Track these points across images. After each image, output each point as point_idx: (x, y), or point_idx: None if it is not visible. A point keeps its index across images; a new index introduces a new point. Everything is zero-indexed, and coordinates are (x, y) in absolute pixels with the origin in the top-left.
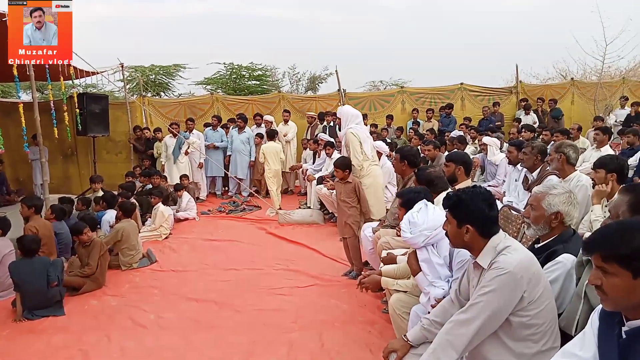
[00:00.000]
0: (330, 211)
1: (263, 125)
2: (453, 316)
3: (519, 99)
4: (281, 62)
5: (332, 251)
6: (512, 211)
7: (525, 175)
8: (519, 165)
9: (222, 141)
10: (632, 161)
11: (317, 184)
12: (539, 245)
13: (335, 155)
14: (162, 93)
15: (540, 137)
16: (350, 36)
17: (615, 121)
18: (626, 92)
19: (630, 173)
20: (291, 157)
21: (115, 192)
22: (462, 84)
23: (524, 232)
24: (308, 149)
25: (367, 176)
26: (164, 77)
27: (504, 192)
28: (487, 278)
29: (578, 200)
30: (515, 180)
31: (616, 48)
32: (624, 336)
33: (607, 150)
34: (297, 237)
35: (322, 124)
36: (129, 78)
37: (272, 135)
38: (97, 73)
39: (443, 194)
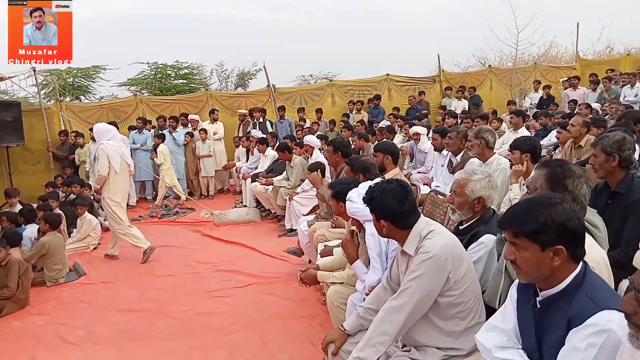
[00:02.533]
0: (267, 207)
1: (190, 125)
2: (386, 303)
3: (443, 87)
4: (208, 60)
5: (270, 248)
6: (439, 196)
7: (449, 159)
8: (444, 151)
9: (145, 144)
10: (545, 141)
11: (252, 182)
12: (462, 227)
13: (269, 152)
14: (82, 97)
15: (463, 123)
16: (278, 32)
17: (530, 104)
18: (538, 76)
19: (544, 152)
20: (222, 155)
21: (35, 205)
22: (388, 75)
23: (449, 216)
24: (240, 146)
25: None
26: (82, 79)
27: (432, 177)
28: (415, 263)
29: (498, 182)
30: (442, 166)
31: (527, 35)
32: (538, 306)
33: (523, 132)
34: (234, 237)
35: (253, 120)
36: (43, 82)
37: (162, 137)
38: (6, 79)
39: (377, 180)
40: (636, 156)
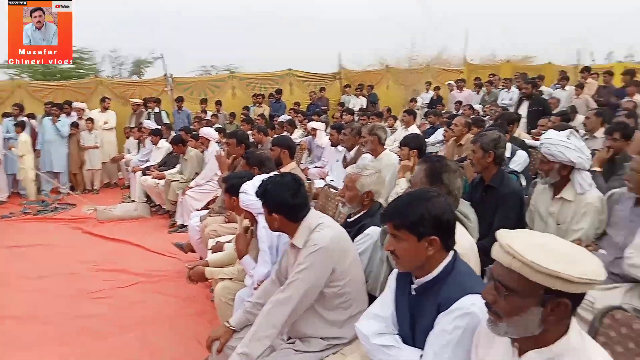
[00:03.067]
0: (157, 203)
1: (75, 114)
2: (273, 296)
3: (343, 84)
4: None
5: (159, 245)
6: (332, 190)
7: (344, 155)
8: (339, 146)
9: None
10: (432, 138)
11: (142, 175)
12: (351, 219)
13: (163, 144)
14: None
15: (359, 120)
16: (181, 19)
17: (422, 103)
18: (430, 78)
19: (435, 149)
20: (111, 147)
21: None
22: (290, 69)
23: (340, 209)
24: (132, 137)
25: None
26: None
27: (328, 171)
28: (303, 256)
29: (388, 177)
30: (337, 161)
31: (422, 38)
32: (413, 293)
33: (413, 129)
34: (119, 234)
35: (147, 110)
36: None
37: (22, 125)
38: None
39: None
40: (507, 154)
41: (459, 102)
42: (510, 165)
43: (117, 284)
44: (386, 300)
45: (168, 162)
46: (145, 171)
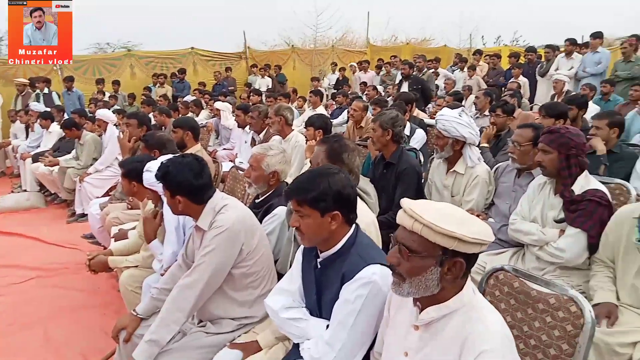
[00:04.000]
0: (53, 191)
1: None
2: (179, 280)
3: (249, 64)
4: None
5: (57, 236)
6: (239, 171)
7: (253, 136)
8: (247, 128)
9: None
10: (340, 119)
11: (33, 162)
12: (258, 200)
13: (54, 128)
14: None
15: (267, 101)
16: None
17: (329, 84)
18: (335, 59)
19: (342, 129)
20: None
21: None
22: (192, 48)
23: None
24: (18, 122)
25: None
26: None
27: (236, 153)
28: (208, 238)
29: (297, 158)
30: (245, 142)
31: (326, 19)
32: (319, 266)
33: (320, 110)
34: (11, 227)
35: (34, 92)
36: None
37: None
38: None
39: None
40: (407, 132)
41: (364, 83)
42: (410, 142)
43: (11, 280)
44: (293, 275)
45: (62, 148)
46: (36, 158)
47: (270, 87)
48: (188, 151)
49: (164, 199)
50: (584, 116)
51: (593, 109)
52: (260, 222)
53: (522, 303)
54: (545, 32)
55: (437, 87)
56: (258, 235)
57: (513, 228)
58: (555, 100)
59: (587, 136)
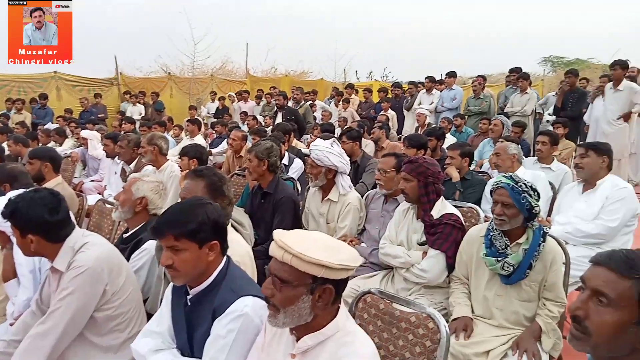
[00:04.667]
0: None
1: None
2: (32, 329)
3: (122, 91)
4: None
5: None
6: (107, 205)
7: (123, 167)
8: (116, 158)
9: None
10: (219, 148)
11: None
12: (127, 235)
13: None
14: None
15: (140, 129)
16: None
17: (208, 113)
18: (215, 88)
19: (222, 158)
20: None
21: None
22: (55, 72)
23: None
24: None
25: None
26: None
27: (105, 185)
28: (66, 280)
29: (172, 189)
30: (115, 173)
31: (204, 47)
32: (189, 303)
33: (199, 139)
34: None
35: None
36: None
37: None
38: None
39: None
40: (285, 162)
41: (244, 113)
42: (289, 172)
43: None
44: (163, 315)
45: None
46: None
47: (143, 114)
48: (47, 184)
49: (14, 239)
50: (442, 146)
51: (451, 140)
52: (129, 258)
53: (388, 323)
54: (413, 68)
55: (315, 118)
56: (125, 274)
57: (382, 252)
58: (418, 132)
59: (444, 165)
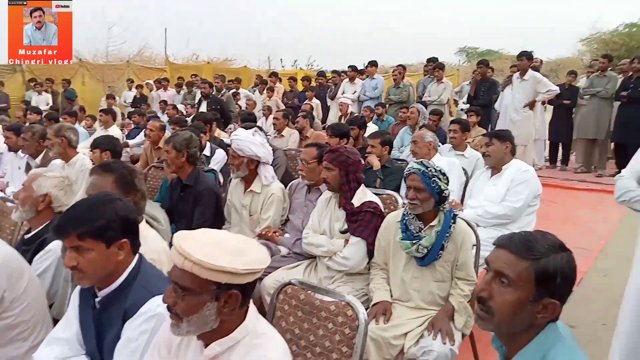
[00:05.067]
0: None
1: None
2: None
3: (27, 78)
4: None
5: None
6: (8, 203)
7: (27, 162)
8: (20, 152)
9: None
10: (137, 139)
11: None
12: (28, 235)
13: None
14: None
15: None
16: None
17: (125, 102)
18: (132, 75)
19: (141, 150)
20: None
21: None
22: None
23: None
24: None
25: None
26: None
27: (7, 182)
28: None
29: (84, 184)
30: (19, 168)
31: (119, 32)
32: (97, 306)
33: (114, 130)
34: None
35: None
36: None
37: None
38: None
39: None
40: (207, 152)
41: (164, 102)
42: (210, 163)
43: None
44: (70, 320)
45: None
46: None
47: (51, 104)
48: None
49: None
50: (364, 135)
51: (373, 128)
52: (32, 261)
53: (308, 314)
54: (338, 57)
55: (240, 107)
56: (26, 278)
57: (306, 242)
58: (342, 121)
59: (365, 154)
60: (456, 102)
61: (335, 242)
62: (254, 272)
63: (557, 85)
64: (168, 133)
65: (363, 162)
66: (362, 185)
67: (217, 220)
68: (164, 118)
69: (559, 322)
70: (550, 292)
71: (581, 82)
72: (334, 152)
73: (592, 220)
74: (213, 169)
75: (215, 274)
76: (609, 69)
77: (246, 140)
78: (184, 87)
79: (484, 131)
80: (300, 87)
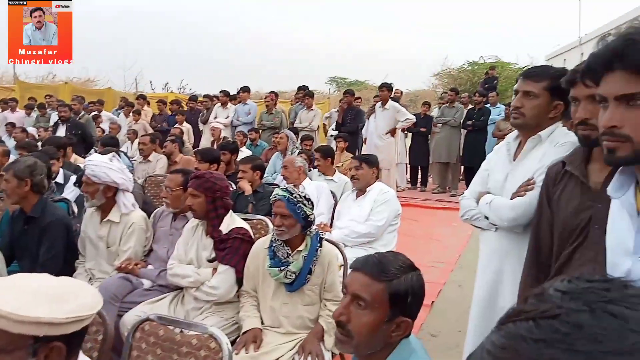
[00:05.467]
0: None
1: None
2: None
3: None
4: None
5: None
6: None
7: None
8: None
9: None
10: None
11: None
12: None
13: None
14: None
15: None
16: None
17: None
18: None
19: None
20: None
21: None
22: None
23: None
24: None
25: None
26: None
27: None
28: None
29: None
30: None
31: None
32: None
33: None
34: None
35: None
36: None
37: None
38: None
39: None
40: (60, 180)
41: (11, 124)
42: (64, 192)
43: None
44: None
45: None
46: None
47: None
48: None
49: None
50: (236, 160)
51: (246, 153)
52: None
53: (168, 350)
54: (211, 81)
55: (103, 130)
56: None
57: (171, 273)
58: (214, 145)
59: (236, 179)
60: (325, 128)
61: (202, 271)
62: (80, 320)
63: (414, 115)
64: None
65: (235, 187)
66: (231, 211)
67: (68, 255)
68: (11, 142)
69: (411, 336)
70: (403, 311)
71: (434, 111)
72: (199, 178)
73: (448, 235)
74: (65, 199)
75: (30, 326)
76: (457, 101)
77: (102, 166)
78: (36, 108)
79: (352, 156)
80: (170, 110)
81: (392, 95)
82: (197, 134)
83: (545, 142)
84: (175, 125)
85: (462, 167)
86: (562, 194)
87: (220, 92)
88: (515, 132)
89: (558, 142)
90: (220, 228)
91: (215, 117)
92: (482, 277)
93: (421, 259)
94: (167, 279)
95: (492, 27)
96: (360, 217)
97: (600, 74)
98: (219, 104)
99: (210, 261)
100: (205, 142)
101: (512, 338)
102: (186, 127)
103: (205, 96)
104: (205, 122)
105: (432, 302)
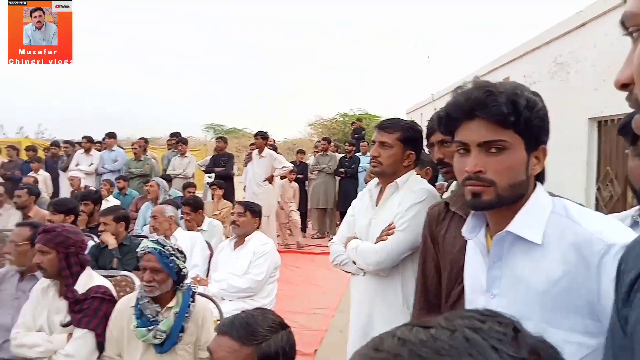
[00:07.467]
0: None
1: None
2: None
3: None
4: None
5: None
6: None
7: None
8: None
9: None
10: None
11: None
12: None
13: None
14: None
15: None
16: None
17: None
18: None
19: None
20: None
21: None
22: None
23: None
24: None
25: None
26: None
27: None
28: None
29: None
30: None
31: None
32: None
33: None
34: None
35: None
36: None
37: None
38: None
39: None
40: None
41: None
42: None
43: None
44: None
45: None
46: None
47: None
48: None
49: None
50: (100, 210)
51: (113, 202)
52: None
53: None
54: (73, 126)
55: None
56: None
57: (16, 343)
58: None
59: (99, 232)
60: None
61: (55, 338)
62: None
63: (291, 162)
64: None
65: (97, 240)
66: (88, 267)
67: None
68: None
69: None
70: None
71: (310, 159)
72: (49, 232)
73: (329, 280)
74: None
75: None
76: (330, 149)
77: None
78: None
79: (229, 203)
80: (24, 156)
81: (266, 143)
82: (57, 184)
83: (402, 189)
84: (30, 174)
85: (339, 212)
86: (447, 233)
87: (83, 137)
88: (376, 180)
89: (413, 188)
90: (76, 287)
91: (77, 165)
92: (356, 323)
93: (302, 306)
94: (10, 351)
95: (362, 80)
96: (239, 270)
97: (460, 121)
98: (82, 150)
99: (64, 326)
100: (65, 192)
101: None
102: (43, 175)
103: (66, 142)
104: (65, 170)
105: (315, 350)
